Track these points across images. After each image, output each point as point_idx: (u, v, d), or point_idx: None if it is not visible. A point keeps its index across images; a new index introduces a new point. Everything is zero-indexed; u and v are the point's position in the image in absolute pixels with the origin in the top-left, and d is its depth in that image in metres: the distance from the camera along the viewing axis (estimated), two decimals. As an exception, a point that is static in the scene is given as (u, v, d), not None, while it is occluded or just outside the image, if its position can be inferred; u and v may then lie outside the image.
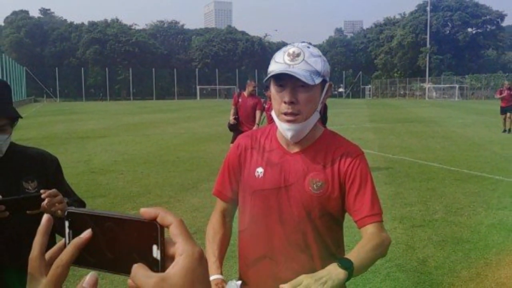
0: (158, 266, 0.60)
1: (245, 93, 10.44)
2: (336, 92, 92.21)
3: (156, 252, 0.61)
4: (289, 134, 1.91)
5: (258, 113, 10.21)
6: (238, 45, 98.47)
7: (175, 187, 9.74)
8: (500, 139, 18.05)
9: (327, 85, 1.96)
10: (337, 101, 66.32)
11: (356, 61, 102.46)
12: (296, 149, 2.01)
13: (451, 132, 20.66)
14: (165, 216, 0.61)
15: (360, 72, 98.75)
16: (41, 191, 2.08)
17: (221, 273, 2.01)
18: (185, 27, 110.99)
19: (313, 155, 1.98)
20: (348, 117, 31.07)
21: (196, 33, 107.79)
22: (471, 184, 9.82)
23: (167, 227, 0.61)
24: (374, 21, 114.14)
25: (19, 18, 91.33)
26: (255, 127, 9.60)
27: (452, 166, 11.87)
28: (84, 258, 0.63)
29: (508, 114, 20.28)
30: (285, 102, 1.86)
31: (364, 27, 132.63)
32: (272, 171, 2.00)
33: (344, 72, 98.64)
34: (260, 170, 2.03)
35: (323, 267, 1.72)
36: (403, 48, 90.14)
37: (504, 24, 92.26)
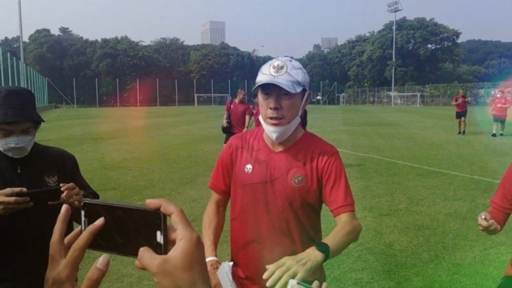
0: (161, 249, 0.61)
1: (236, 100, 10.43)
2: (314, 100, 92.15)
3: (159, 237, 0.61)
4: (274, 136, 1.92)
5: (247, 117, 10.21)
6: (230, 59, 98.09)
7: (176, 181, 9.70)
8: (455, 140, 18.16)
9: (306, 93, 1.97)
10: (315, 107, 66.40)
11: (332, 73, 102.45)
12: (280, 149, 2.02)
13: (414, 134, 20.74)
14: (167, 206, 0.62)
15: (335, 82, 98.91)
16: (61, 184, 2.09)
17: (216, 255, 2.02)
18: (184, 43, 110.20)
19: (294, 154, 1.99)
20: (325, 121, 31.08)
21: (194, 48, 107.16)
22: (430, 179, 9.87)
23: (169, 215, 0.62)
24: (347, 38, 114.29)
25: (41, 35, 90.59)
26: (244, 130, 9.60)
27: (414, 163, 11.92)
28: (98, 242, 0.63)
29: (462, 118, 20.42)
30: (270, 108, 1.87)
31: (339, 43, 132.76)
32: (259, 167, 2.01)
33: (321, 82, 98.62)
34: (249, 166, 2.03)
35: (303, 250, 1.73)
36: (372, 61, 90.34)
37: (459, 40, 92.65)
